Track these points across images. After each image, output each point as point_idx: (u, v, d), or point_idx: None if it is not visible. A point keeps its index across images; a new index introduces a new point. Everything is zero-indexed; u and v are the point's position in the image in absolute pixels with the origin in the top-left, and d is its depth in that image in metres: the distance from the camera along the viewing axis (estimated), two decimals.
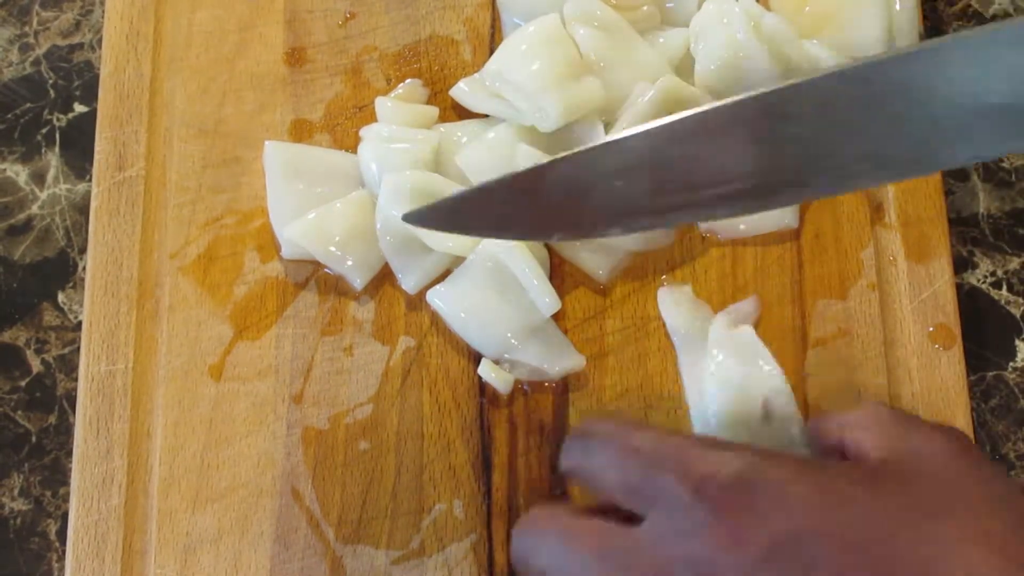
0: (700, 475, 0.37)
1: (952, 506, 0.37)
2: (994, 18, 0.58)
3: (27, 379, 0.54)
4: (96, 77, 0.56)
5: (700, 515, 0.37)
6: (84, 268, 0.55)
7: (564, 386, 0.51)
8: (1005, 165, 0.56)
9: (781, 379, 0.48)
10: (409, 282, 0.51)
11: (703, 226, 0.52)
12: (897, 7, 0.51)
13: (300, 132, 0.54)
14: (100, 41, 0.57)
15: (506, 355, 0.50)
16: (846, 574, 0.35)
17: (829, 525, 0.36)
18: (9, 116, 0.58)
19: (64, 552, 0.50)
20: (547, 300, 0.49)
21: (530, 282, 0.49)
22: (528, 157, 0.49)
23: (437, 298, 0.50)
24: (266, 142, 0.53)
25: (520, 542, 0.42)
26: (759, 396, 0.47)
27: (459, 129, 0.53)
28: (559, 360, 0.50)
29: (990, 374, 0.53)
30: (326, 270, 0.52)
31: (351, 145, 0.54)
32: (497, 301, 0.50)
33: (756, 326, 0.50)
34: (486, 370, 0.50)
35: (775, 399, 0.47)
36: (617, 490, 0.40)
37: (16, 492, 0.53)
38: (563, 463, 0.42)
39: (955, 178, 0.56)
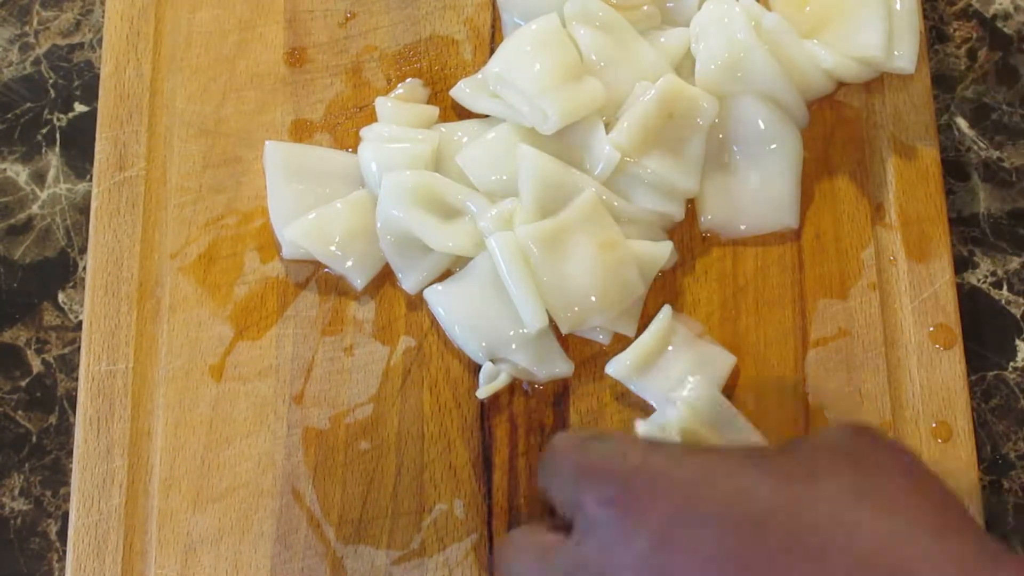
0: (593, 478, 0.39)
1: (837, 469, 0.37)
2: (994, 18, 0.58)
3: (27, 379, 0.54)
4: (96, 77, 0.56)
5: (597, 515, 0.38)
6: (84, 268, 0.55)
7: (564, 386, 0.51)
8: (1005, 165, 0.56)
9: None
10: (409, 282, 0.51)
11: (703, 226, 0.52)
12: (897, 7, 0.51)
13: (300, 132, 0.54)
14: (100, 41, 0.57)
15: (497, 354, 0.50)
16: (734, 550, 0.36)
17: (711, 503, 0.37)
18: (9, 116, 0.58)
19: (64, 552, 0.50)
20: (532, 316, 0.48)
21: (520, 297, 0.48)
22: (527, 157, 0.49)
23: (432, 295, 0.50)
24: (266, 142, 0.53)
25: (495, 560, 0.44)
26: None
27: (459, 129, 0.53)
28: (548, 365, 0.50)
29: (990, 374, 0.53)
30: (326, 270, 0.52)
31: (351, 145, 0.54)
32: (491, 306, 0.49)
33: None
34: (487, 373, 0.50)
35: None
36: (560, 507, 0.41)
37: (16, 492, 0.53)
38: (539, 483, 0.43)
39: (956, 178, 0.56)
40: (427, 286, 0.51)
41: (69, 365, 0.54)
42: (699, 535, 0.36)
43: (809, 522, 0.36)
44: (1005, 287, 0.54)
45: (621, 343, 0.50)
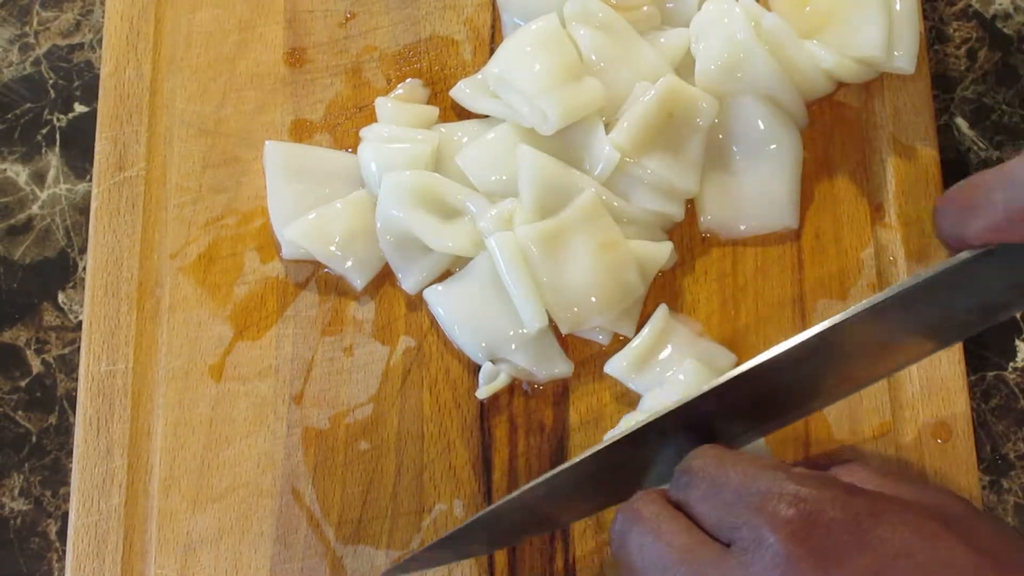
0: (781, 514, 0.38)
1: (1010, 551, 0.38)
2: (994, 18, 0.58)
3: (27, 379, 0.54)
4: (96, 77, 0.56)
5: (782, 553, 0.37)
6: (84, 268, 0.55)
7: (564, 387, 0.51)
8: None
9: None
10: (409, 282, 0.51)
11: (703, 226, 0.52)
12: (897, 7, 0.51)
13: (300, 132, 0.54)
14: (100, 41, 0.57)
15: (496, 354, 0.50)
16: None
17: (915, 564, 0.37)
18: (9, 116, 0.58)
19: (64, 552, 0.50)
20: (532, 316, 0.48)
21: (520, 298, 0.48)
22: (527, 157, 0.49)
23: (431, 295, 0.50)
24: (266, 142, 0.53)
25: (618, 518, 0.42)
26: None
27: (459, 129, 0.53)
28: (547, 366, 0.50)
29: (990, 374, 0.53)
30: (326, 270, 0.52)
31: (351, 145, 0.54)
32: (491, 306, 0.49)
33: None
34: (487, 373, 0.50)
35: None
36: (707, 522, 0.40)
37: (16, 492, 0.53)
38: (670, 496, 0.42)
39: (956, 178, 0.56)
40: (427, 286, 0.51)
41: (69, 365, 0.54)
42: None
43: None
44: None
45: (621, 343, 0.50)
